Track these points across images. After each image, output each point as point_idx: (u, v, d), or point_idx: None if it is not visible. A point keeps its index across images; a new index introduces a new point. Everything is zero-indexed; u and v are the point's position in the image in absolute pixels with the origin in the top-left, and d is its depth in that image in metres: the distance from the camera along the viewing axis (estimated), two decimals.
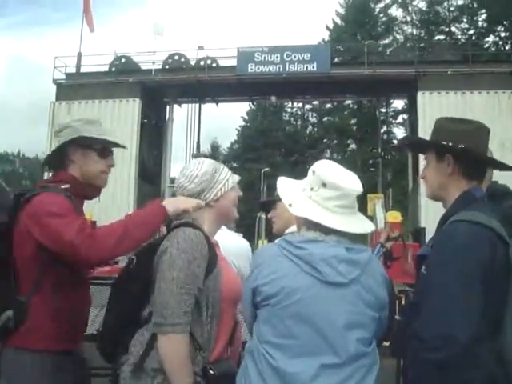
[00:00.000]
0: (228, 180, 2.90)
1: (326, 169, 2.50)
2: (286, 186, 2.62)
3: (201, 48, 32.79)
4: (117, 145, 3.18)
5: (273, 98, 37.45)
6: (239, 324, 2.85)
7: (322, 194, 2.45)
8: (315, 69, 29.81)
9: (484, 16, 45.85)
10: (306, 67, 29.94)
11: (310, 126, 60.39)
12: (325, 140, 57.17)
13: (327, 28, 55.26)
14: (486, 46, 43.59)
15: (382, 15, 54.22)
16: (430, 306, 2.23)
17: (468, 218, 2.33)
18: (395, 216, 13.79)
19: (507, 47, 42.98)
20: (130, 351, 2.58)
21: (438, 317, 2.17)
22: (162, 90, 31.89)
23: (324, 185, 2.45)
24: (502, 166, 2.63)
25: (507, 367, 2.18)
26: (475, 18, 46.88)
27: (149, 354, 2.53)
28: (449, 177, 2.53)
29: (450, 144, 2.51)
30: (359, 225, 2.47)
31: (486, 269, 2.21)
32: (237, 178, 2.96)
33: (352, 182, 2.46)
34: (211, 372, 2.52)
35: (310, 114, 60.05)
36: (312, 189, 2.49)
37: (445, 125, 2.61)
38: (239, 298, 2.68)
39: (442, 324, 2.15)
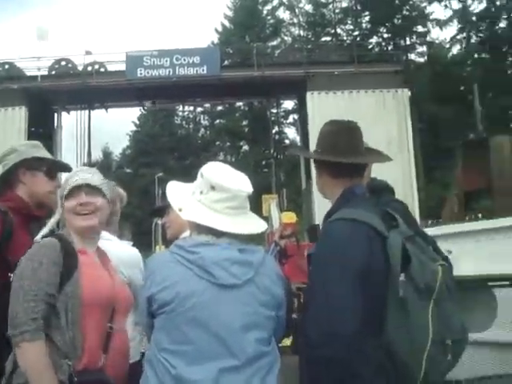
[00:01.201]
0: (65, 188, 2.79)
1: (213, 171, 2.48)
2: (175, 190, 2.59)
3: (88, 53, 32.11)
4: (65, 166, 3.33)
5: (162, 103, 37.24)
6: (120, 333, 2.74)
7: (211, 197, 2.43)
8: (205, 72, 29.85)
9: (367, 18, 47.37)
10: (196, 70, 29.93)
11: (203, 129, 60.43)
12: (217, 142, 57.26)
13: (216, 31, 55.42)
14: (370, 46, 45.11)
15: (269, 17, 54.94)
16: (313, 304, 2.30)
17: (345, 215, 2.40)
18: (290, 217, 14.02)
19: (390, 48, 44.59)
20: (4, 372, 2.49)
21: (320, 315, 2.24)
22: (48, 96, 30.86)
23: (212, 187, 2.43)
24: (358, 163, 2.66)
25: (395, 359, 2.22)
26: (359, 20, 48.34)
27: (15, 371, 2.43)
28: (323, 178, 2.61)
29: (315, 148, 2.64)
30: (251, 225, 2.47)
31: (364, 264, 2.28)
32: (77, 181, 2.78)
33: (240, 183, 2.45)
34: (76, 380, 2.43)
35: (202, 116, 60.12)
36: (201, 192, 2.46)
37: (321, 128, 2.72)
38: (107, 304, 2.63)
39: (324, 322, 2.21)
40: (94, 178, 2.82)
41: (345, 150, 2.56)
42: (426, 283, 2.26)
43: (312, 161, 2.76)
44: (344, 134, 2.61)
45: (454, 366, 2.38)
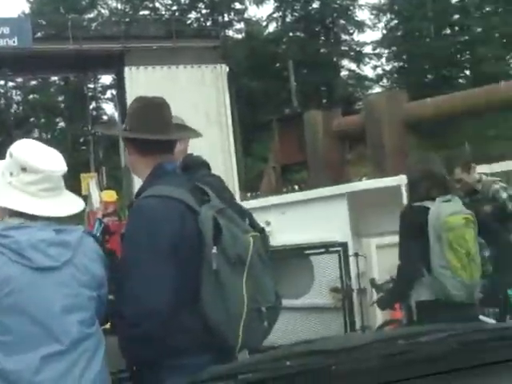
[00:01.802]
0: None
1: (23, 151, 2.30)
2: None
3: None
4: None
5: None
6: None
7: (22, 179, 2.26)
8: (16, 43, 28.26)
9: None
10: (6, 42, 28.25)
11: (15, 105, 57.12)
12: (32, 119, 54.45)
13: (27, 0, 52.49)
14: (189, 22, 45.13)
15: None
16: (127, 284, 2.29)
17: (155, 192, 2.40)
18: (111, 195, 13.78)
19: (208, 23, 44.92)
20: None
21: (135, 293, 2.24)
22: None
23: (24, 169, 2.25)
24: (167, 139, 2.63)
25: (212, 330, 2.28)
26: None
27: None
28: (132, 157, 2.58)
29: (123, 127, 2.60)
30: (67, 206, 2.37)
31: (176, 240, 2.31)
32: None
33: (53, 163, 2.31)
34: None
35: (14, 92, 56.78)
36: (11, 174, 2.27)
37: (129, 106, 2.69)
38: None
39: (139, 300, 2.22)
40: None
41: (153, 126, 2.51)
42: (238, 254, 2.31)
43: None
44: (151, 111, 2.57)
45: (269, 332, 2.50)
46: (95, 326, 2.29)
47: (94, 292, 2.29)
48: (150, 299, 2.21)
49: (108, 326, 2.49)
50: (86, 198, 16.79)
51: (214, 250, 2.27)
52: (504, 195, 4.86)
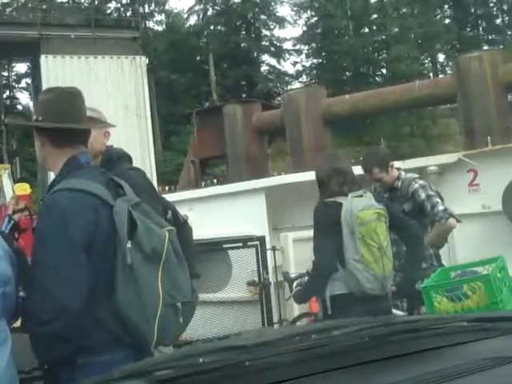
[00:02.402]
0: None
1: None
2: None
3: None
4: None
5: None
6: None
7: None
8: None
9: None
10: None
11: None
12: None
13: None
14: (109, 11, 44.29)
15: None
16: (38, 281, 2.23)
17: (68, 186, 2.35)
18: (24, 188, 13.37)
19: (128, 14, 44.20)
20: None
21: (47, 290, 2.18)
22: None
23: None
24: (81, 130, 2.57)
25: (128, 325, 2.25)
26: None
27: None
28: (44, 149, 2.51)
29: (35, 118, 2.53)
30: None
31: (90, 234, 2.26)
32: None
33: None
34: None
35: None
36: None
37: (39, 97, 2.65)
38: None
39: (51, 296, 2.16)
40: None
41: (67, 116, 2.46)
42: (153, 248, 2.29)
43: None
44: (65, 101, 2.50)
45: (185, 327, 2.49)
46: (2, 324, 2.21)
47: (0, 289, 2.21)
48: (62, 296, 2.15)
49: (19, 323, 2.41)
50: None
51: (129, 245, 2.24)
52: (422, 195, 4.98)
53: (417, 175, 5.39)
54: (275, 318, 6.35)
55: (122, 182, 2.46)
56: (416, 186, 5.04)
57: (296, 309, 6.20)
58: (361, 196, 3.99)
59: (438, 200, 5.00)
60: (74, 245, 2.22)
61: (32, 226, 4.41)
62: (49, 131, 2.48)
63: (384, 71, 44.95)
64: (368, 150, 5.78)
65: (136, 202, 2.38)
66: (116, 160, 3.16)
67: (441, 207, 4.94)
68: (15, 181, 19.85)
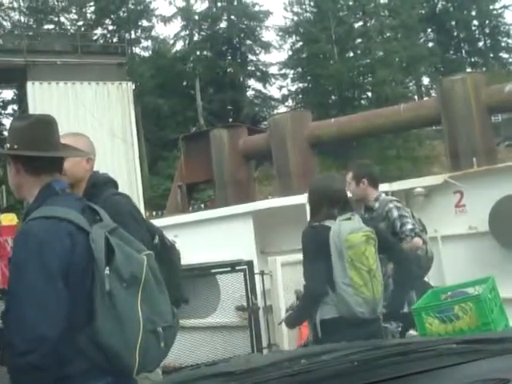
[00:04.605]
0: None
1: None
2: None
3: None
4: None
5: None
6: None
7: None
8: None
9: (92, 8, 46.63)
10: None
11: None
12: None
13: None
14: (95, 38, 44.48)
15: None
16: (16, 311, 2.19)
17: (43, 213, 2.30)
18: (10, 219, 13.19)
19: (115, 40, 44.43)
20: None
21: (24, 319, 2.15)
22: None
23: None
24: (57, 158, 2.54)
25: (108, 353, 2.21)
26: (84, 10, 47.39)
27: None
28: (18, 176, 2.48)
29: (9, 145, 2.46)
30: None
31: (66, 263, 2.22)
32: None
33: None
34: None
35: None
36: None
37: (11, 124, 2.60)
38: None
39: (29, 327, 2.13)
40: None
41: (43, 144, 2.43)
42: (132, 273, 2.26)
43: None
44: (41, 128, 2.49)
45: (167, 352, 2.45)
46: None
47: None
48: (40, 325, 2.12)
49: None
50: None
51: (107, 271, 2.21)
52: (395, 214, 5.01)
53: (395, 198, 5.44)
54: (264, 343, 6.31)
55: (97, 207, 2.45)
56: (391, 205, 5.07)
57: (285, 333, 6.16)
58: (349, 219, 3.98)
59: (409, 220, 5.02)
60: (51, 273, 2.18)
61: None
62: (24, 159, 2.45)
63: (369, 94, 45.31)
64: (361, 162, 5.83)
65: (113, 228, 2.36)
66: (102, 185, 3.15)
67: (409, 226, 4.96)
68: (1, 210, 19.69)
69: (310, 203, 4.20)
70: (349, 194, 5.33)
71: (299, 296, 4.45)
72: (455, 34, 50.07)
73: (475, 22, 49.39)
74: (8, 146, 2.47)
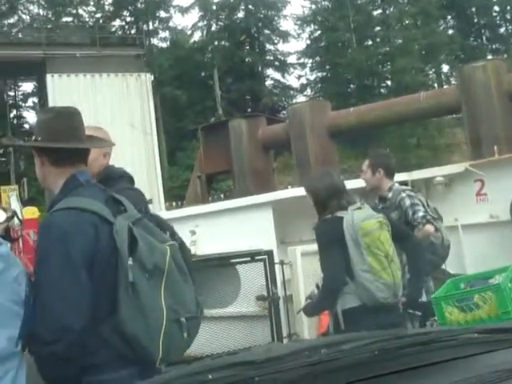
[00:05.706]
0: None
1: None
2: None
3: None
4: None
5: None
6: None
7: None
8: None
9: (110, 0, 46.68)
10: None
11: None
12: None
13: None
14: (113, 29, 44.55)
15: None
16: (41, 301, 2.22)
17: (68, 204, 2.34)
18: (32, 212, 13.34)
19: (133, 31, 44.47)
20: None
21: (49, 311, 2.19)
22: None
23: None
24: (81, 149, 2.57)
25: (132, 342, 2.23)
26: (102, 2, 47.45)
27: None
28: (43, 168, 2.51)
29: (34, 138, 2.51)
30: None
31: (90, 253, 2.26)
32: None
33: None
34: None
35: None
36: None
37: (37, 117, 2.69)
38: None
39: (54, 317, 2.17)
40: None
41: (66, 136, 2.47)
42: (155, 264, 2.28)
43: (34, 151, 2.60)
44: (64, 120, 2.51)
45: (191, 342, 2.47)
46: (20, 345, 2.21)
47: (22, 309, 2.21)
48: (65, 316, 2.16)
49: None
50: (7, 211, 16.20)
51: (130, 262, 2.23)
52: (407, 203, 5.00)
53: (408, 187, 5.43)
54: (284, 333, 6.32)
55: (122, 198, 2.46)
56: (403, 194, 5.07)
57: (306, 323, 6.17)
58: (359, 208, 4.00)
59: (421, 208, 5.01)
60: (75, 264, 2.21)
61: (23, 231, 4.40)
62: (48, 151, 2.49)
63: (388, 83, 44.97)
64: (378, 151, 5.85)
65: (137, 218, 2.39)
66: (118, 178, 3.17)
67: (420, 214, 4.95)
68: (23, 203, 19.87)
69: (315, 202, 4.20)
70: (362, 183, 5.35)
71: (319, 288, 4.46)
72: (475, 20, 49.46)
73: (496, 8, 48.65)
74: (33, 138, 2.51)
